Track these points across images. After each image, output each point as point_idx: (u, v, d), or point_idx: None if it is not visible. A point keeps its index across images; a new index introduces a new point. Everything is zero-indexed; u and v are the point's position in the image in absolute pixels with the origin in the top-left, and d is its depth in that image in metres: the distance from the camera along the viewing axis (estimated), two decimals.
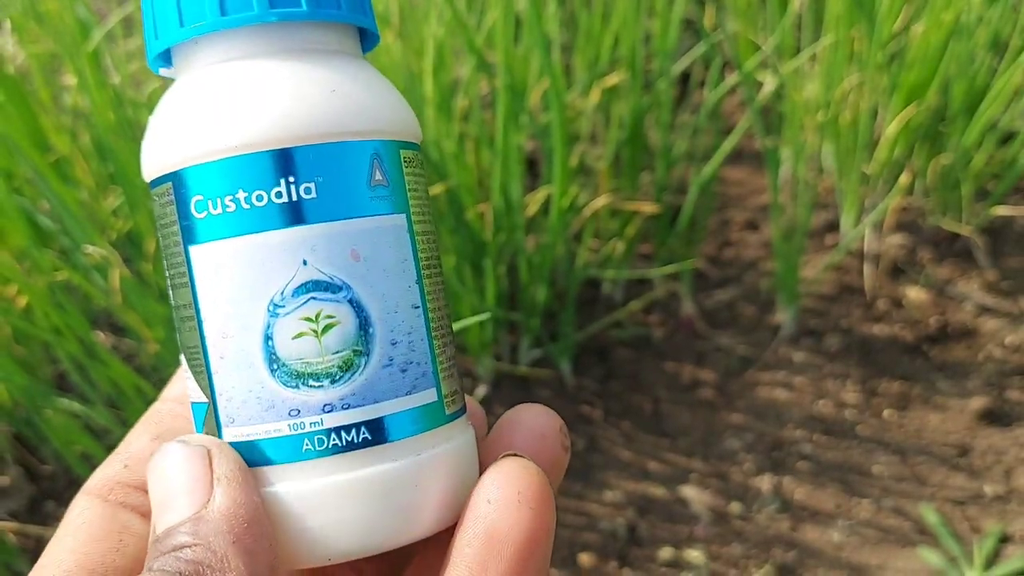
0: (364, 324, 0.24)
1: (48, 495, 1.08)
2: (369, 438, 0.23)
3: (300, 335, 0.23)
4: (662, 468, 1.10)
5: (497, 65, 0.87)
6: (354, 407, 0.23)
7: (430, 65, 0.91)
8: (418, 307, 0.24)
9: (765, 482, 1.08)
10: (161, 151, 0.24)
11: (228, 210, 0.23)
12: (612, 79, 1.10)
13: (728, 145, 1.01)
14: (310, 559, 0.23)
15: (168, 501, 0.22)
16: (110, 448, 1.06)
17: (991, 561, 1.00)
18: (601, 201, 1.08)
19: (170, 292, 0.25)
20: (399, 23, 0.93)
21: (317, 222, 0.23)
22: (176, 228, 0.24)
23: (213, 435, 0.24)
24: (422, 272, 0.25)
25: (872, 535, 1.04)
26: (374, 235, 0.24)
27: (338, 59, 0.24)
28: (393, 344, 0.24)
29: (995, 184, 1.25)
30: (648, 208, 1.10)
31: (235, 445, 0.24)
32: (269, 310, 0.23)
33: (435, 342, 0.25)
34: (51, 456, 1.09)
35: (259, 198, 0.23)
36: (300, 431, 0.23)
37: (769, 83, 1.27)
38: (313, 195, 0.23)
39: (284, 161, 0.23)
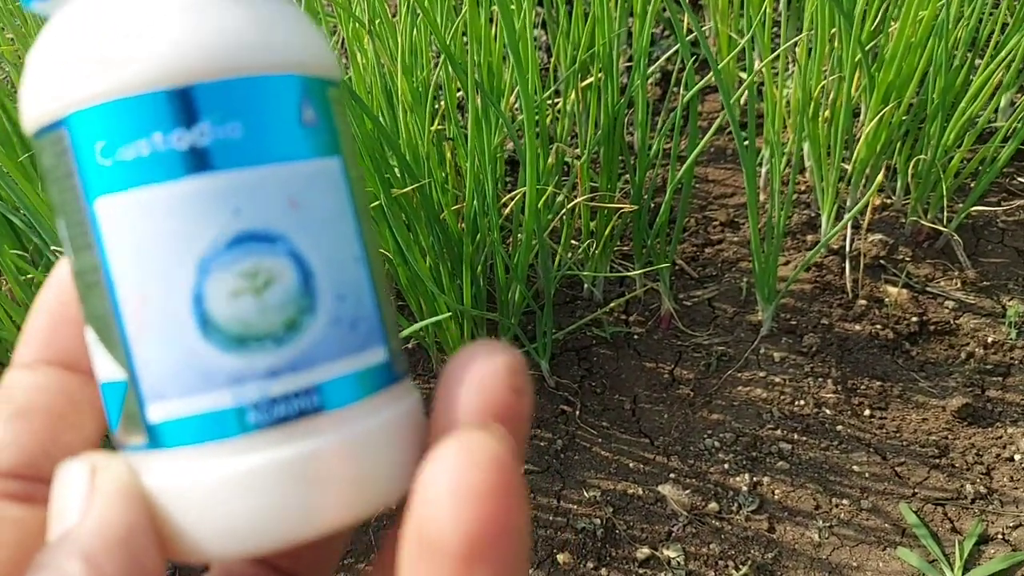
0: (307, 278, 0.20)
1: None
2: (322, 404, 0.20)
3: (237, 293, 0.19)
4: (640, 467, 1.06)
5: (468, 63, 0.83)
6: (303, 368, 0.20)
7: (400, 65, 0.87)
8: (359, 258, 0.21)
9: (743, 481, 1.04)
10: (51, 93, 0.20)
11: (141, 154, 0.19)
12: (588, 79, 1.07)
13: (703, 143, 0.98)
14: (258, 547, 0.20)
15: (55, 515, 0.20)
16: None
17: (971, 562, 0.96)
18: (578, 200, 1.04)
19: (71, 256, 0.21)
20: (372, 23, 0.89)
21: (248, 166, 0.20)
22: (76, 180, 0.20)
23: (135, 415, 0.20)
24: (360, 218, 0.22)
25: (851, 535, 1.00)
26: (310, 180, 0.20)
27: None
28: (340, 298, 0.20)
29: (974, 182, 1.21)
30: (626, 207, 1.06)
31: (165, 424, 0.20)
32: (198, 267, 0.19)
33: (380, 295, 0.22)
34: None
35: (179, 139, 0.19)
36: (243, 401, 0.20)
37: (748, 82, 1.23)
38: (239, 134, 0.20)
39: (205, 96, 0.19)
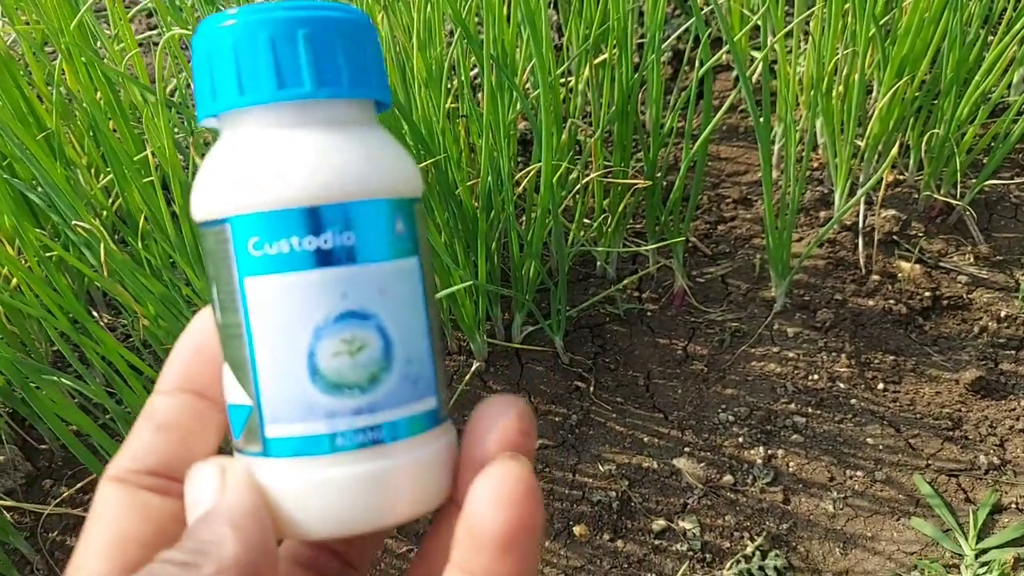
0: (388, 346, 0.28)
1: (44, 474, 1.05)
2: (389, 436, 0.28)
3: (338, 354, 0.27)
4: (655, 441, 1.06)
5: (484, 39, 0.83)
6: (378, 411, 0.28)
7: (416, 41, 0.87)
8: (425, 333, 0.29)
9: (758, 454, 1.04)
10: (220, 198, 0.28)
11: (283, 251, 0.27)
12: (602, 56, 1.06)
13: (716, 119, 0.97)
14: (331, 531, 0.28)
15: (192, 502, 0.27)
16: (103, 426, 1.04)
17: (985, 531, 0.96)
18: (591, 176, 1.04)
19: (218, 313, 0.29)
20: None
21: (354, 264, 0.27)
22: (231, 262, 0.27)
23: (255, 431, 0.28)
24: (428, 303, 0.29)
25: (865, 506, 1.00)
26: (396, 275, 0.28)
27: (365, 130, 0.29)
28: (408, 362, 0.28)
29: (987, 158, 1.20)
30: (639, 183, 1.06)
31: (277, 440, 0.28)
32: (313, 333, 0.27)
33: (436, 360, 0.29)
34: (47, 435, 1.06)
35: (310, 243, 0.27)
36: (334, 430, 0.27)
37: (761, 59, 1.23)
38: (352, 242, 0.27)
39: (328, 214, 0.27)
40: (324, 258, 0.27)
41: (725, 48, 0.91)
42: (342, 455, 0.27)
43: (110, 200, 0.99)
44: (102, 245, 0.79)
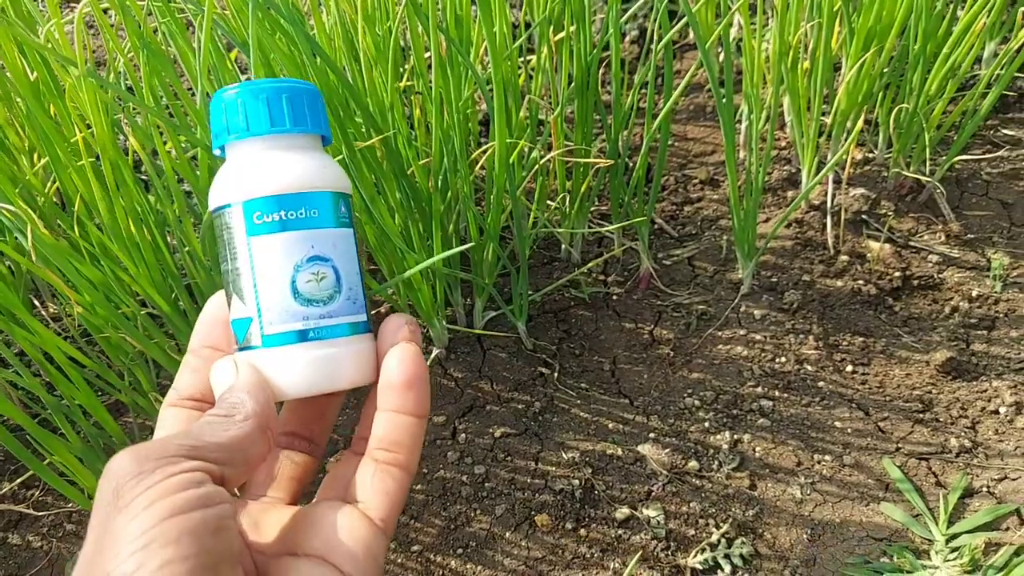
0: (338, 278, 0.44)
1: None
2: (339, 333, 0.44)
3: (309, 281, 0.43)
4: (620, 427, 1.03)
5: (434, 12, 0.79)
6: (333, 317, 0.44)
7: (361, 15, 0.83)
8: (358, 272, 0.46)
9: (724, 439, 1.01)
10: (235, 189, 0.44)
11: (275, 219, 0.43)
12: (561, 34, 1.02)
13: (677, 94, 0.93)
14: (305, 391, 0.43)
15: (218, 383, 0.43)
16: (34, 415, 0.99)
17: (956, 515, 0.93)
18: (552, 155, 1.00)
19: (227, 264, 0.44)
20: None
21: (318, 228, 0.44)
22: (242, 228, 0.44)
23: (256, 333, 0.43)
24: (359, 256, 0.46)
25: (833, 491, 0.97)
26: (341, 236, 0.45)
27: (317, 151, 0.47)
28: (350, 289, 0.44)
29: (957, 133, 1.17)
30: (601, 162, 1.02)
31: (271, 335, 0.43)
32: (295, 268, 0.43)
33: (364, 292, 0.46)
34: None
35: (291, 215, 0.43)
36: (307, 327, 0.43)
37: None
38: (316, 214, 0.44)
39: (303, 198, 0.44)
40: (299, 224, 0.43)
41: (683, 22, 0.87)
42: (311, 343, 0.43)
43: (48, 184, 0.95)
44: (29, 229, 0.75)
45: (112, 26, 0.84)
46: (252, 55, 0.75)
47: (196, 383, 0.45)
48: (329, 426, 0.50)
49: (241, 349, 0.44)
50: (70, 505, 0.98)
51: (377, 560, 0.42)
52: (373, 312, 0.94)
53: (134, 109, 0.91)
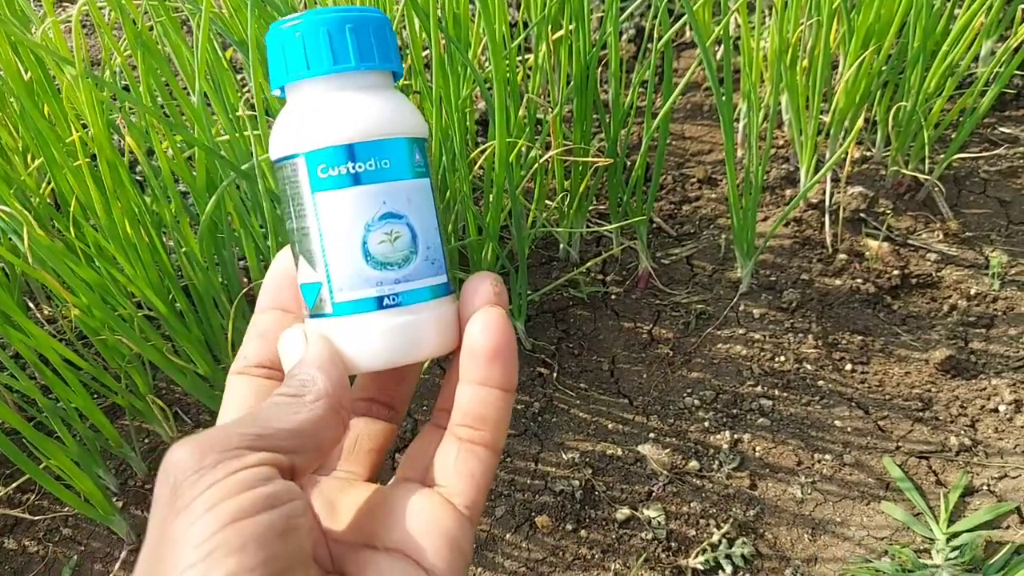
0: (414, 237, 0.39)
1: None
2: (417, 299, 0.39)
3: (382, 242, 0.38)
4: (619, 427, 1.02)
5: (432, 11, 0.78)
6: (410, 280, 0.38)
7: None
8: (436, 228, 0.40)
9: (724, 439, 1.00)
10: (296, 138, 0.38)
11: (341, 173, 0.38)
12: (559, 33, 1.02)
13: (676, 93, 0.93)
14: (382, 364, 0.39)
15: (287, 356, 0.39)
16: (30, 419, 0.99)
17: (957, 514, 0.93)
18: (551, 154, 1.00)
19: (292, 222, 0.39)
20: None
21: (390, 181, 0.38)
22: (305, 183, 0.38)
23: (327, 300, 0.39)
24: (437, 209, 0.40)
25: (834, 490, 0.96)
26: (417, 189, 0.39)
27: (388, 91, 0.40)
28: (428, 248, 0.39)
29: (955, 131, 1.17)
30: (600, 161, 1.01)
31: (342, 303, 0.38)
32: (365, 227, 0.38)
33: (444, 248, 0.40)
34: None
35: (359, 167, 0.38)
36: (381, 293, 0.38)
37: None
38: (387, 166, 0.38)
39: (372, 148, 0.38)
40: (370, 176, 0.38)
41: (682, 21, 0.87)
42: (387, 311, 0.38)
43: (43, 185, 0.93)
44: (25, 231, 0.74)
45: (108, 23, 0.83)
46: (250, 54, 0.74)
47: (264, 349, 0.41)
48: (410, 391, 0.46)
49: (312, 316, 0.40)
50: (66, 509, 0.97)
51: (463, 552, 0.38)
52: None
53: (130, 109, 0.90)
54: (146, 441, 1.03)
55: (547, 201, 1.13)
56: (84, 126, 0.81)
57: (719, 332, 1.09)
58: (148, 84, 0.78)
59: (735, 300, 1.12)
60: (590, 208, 1.21)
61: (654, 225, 1.21)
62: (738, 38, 1.12)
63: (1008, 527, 0.91)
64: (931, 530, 0.91)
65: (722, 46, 0.90)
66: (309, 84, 0.39)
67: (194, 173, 0.88)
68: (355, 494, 0.41)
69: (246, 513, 0.31)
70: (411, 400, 0.47)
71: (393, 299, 0.38)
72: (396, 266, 0.38)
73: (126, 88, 1.12)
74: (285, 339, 0.39)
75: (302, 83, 0.39)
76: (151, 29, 0.92)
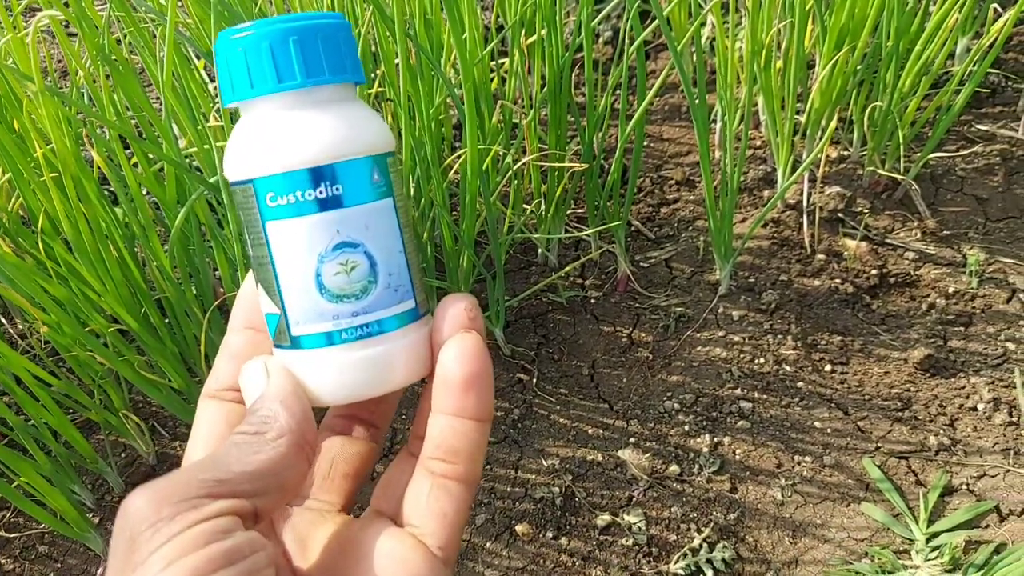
0: (373, 265, 0.36)
1: None
2: (378, 330, 0.36)
3: (337, 273, 0.35)
4: (599, 433, 1.02)
5: (396, 13, 0.77)
6: (369, 312, 0.36)
7: None
8: (401, 251, 0.37)
9: (704, 442, 1.00)
10: (245, 164, 0.36)
11: (291, 201, 0.35)
12: (533, 37, 1.01)
13: (651, 96, 0.92)
14: (344, 399, 0.37)
15: (248, 391, 0.37)
16: (1, 436, 0.98)
17: (936, 514, 0.93)
18: (526, 160, 0.99)
19: (249, 248, 0.37)
20: None
21: (344, 207, 0.36)
22: (256, 212, 0.36)
23: (284, 332, 0.37)
24: (402, 229, 0.37)
25: (814, 492, 0.96)
26: (375, 212, 0.36)
27: (344, 105, 0.37)
28: (389, 275, 0.36)
29: (931, 131, 1.17)
30: (576, 166, 1.01)
31: (300, 336, 0.37)
32: (319, 259, 0.35)
33: (411, 271, 0.38)
34: None
35: (308, 195, 0.35)
36: (338, 328, 0.36)
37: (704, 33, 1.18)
38: (340, 191, 0.35)
39: (323, 173, 0.35)
40: (321, 205, 0.35)
41: (655, 24, 0.86)
42: (346, 345, 0.36)
43: (12, 200, 0.92)
44: None
45: (73, 35, 0.82)
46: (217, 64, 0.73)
47: (236, 370, 0.39)
48: (392, 407, 0.44)
49: (276, 346, 0.38)
50: (42, 527, 0.96)
51: None
52: None
53: (98, 124, 0.89)
54: (123, 456, 1.02)
55: (525, 206, 1.12)
56: (48, 141, 0.80)
57: (698, 335, 1.09)
58: (111, 97, 0.77)
59: (714, 302, 1.11)
60: (568, 212, 1.20)
61: (632, 228, 1.20)
62: (713, 39, 1.12)
63: (987, 526, 0.91)
64: (911, 530, 0.91)
65: (695, 48, 0.89)
66: (256, 103, 0.36)
67: (164, 184, 0.87)
68: (327, 529, 0.40)
69: (204, 571, 0.30)
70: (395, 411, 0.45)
71: (351, 333, 0.36)
72: (353, 298, 0.36)
73: (91, 102, 1.11)
74: (247, 373, 0.38)
75: (251, 101, 0.37)
76: (119, 42, 0.91)
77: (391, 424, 1.05)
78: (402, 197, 0.38)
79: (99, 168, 1.09)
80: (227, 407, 0.39)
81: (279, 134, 0.36)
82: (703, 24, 1.06)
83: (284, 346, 0.37)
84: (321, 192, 0.35)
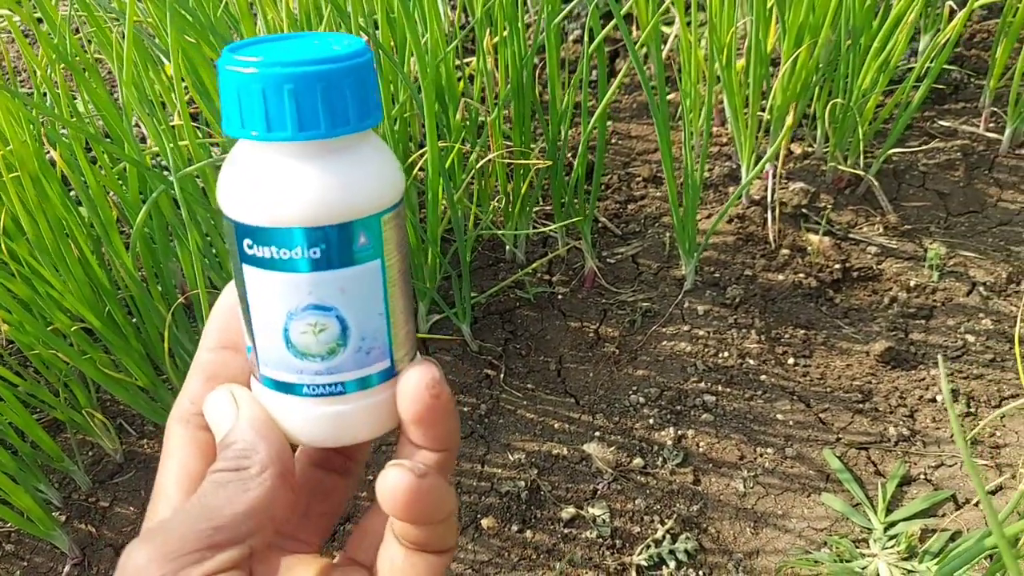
0: (344, 330, 0.34)
1: None
2: (343, 391, 0.35)
3: (304, 333, 0.34)
4: (565, 427, 1.03)
5: (353, 10, 0.78)
6: (335, 373, 0.35)
7: (287, 21, 0.82)
8: (381, 313, 0.35)
9: (668, 435, 1.01)
10: (229, 205, 0.34)
11: (266, 256, 0.33)
12: (495, 38, 1.02)
13: (611, 93, 0.93)
14: (307, 444, 0.36)
15: (216, 424, 0.36)
16: None
17: (895, 503, 0.94)
18: (490, 157, 1.00)
19: (234, 273, 0.36)
20: None
21: (320, 271, 0.33)
22: (236, 249, 0.34)
23: (256, 367, 0.36)
24: (388, 291, 0.35)
25: (776, 484, 0.97)
26: (356, 277, 0.34)
27: (345, 156, 0.34)
28: (362, 339, 0.35)
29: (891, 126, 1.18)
30: (539, 163, 1.02)
31: (267, 378, 0.36)
32: (288, 315, 0.34)
33: (392, 331, 0.36)
34: None
35: (284, 253, 0.33)
36: (302, 382, 0.35)
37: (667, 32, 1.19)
38: (318, 255, 0.33)
39: (300, 234, 0.33)
40: (295, 265, 0.33)
41: (613, 23, 0.87)
42: (310, 399, 0.35)
43: None
44: None
45: (43, 32, 0.82)
46: (173, 59, 0.74)
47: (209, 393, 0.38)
48: (369, 443, 0.43)
49: (252, 374, 0.37)
50: (9, 525, 0.96)
51: None
52: None
53: (60, 125, 0.90)
54: (90, 454, 1.02)
55: (494, 203, 1.13)
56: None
57: (664, 329, 1.10)
58: (70, 98, 0.78)
59: (680, 297, 1.12)
60: (537, 209, 1.21)
61: (600, 224, 1.21)
62: (678, 35, 1.13)
63: (944, 514, 0.92)
64: (869, 520, 0.92)
65: (654, 48, 0.90)
66: (243, 144, 0.34)
67: (125, 188, 0.87)
68: (302, 573, 0.39)
69: None
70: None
71: (315, 389, 0.35)
72: (319, 358, 0.34)
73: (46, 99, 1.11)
74: (211, 403, 0.36)
75: (241, 142, 0.35)
76: (82, 43, 0.91)
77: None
78: (394, 254, 0.35)
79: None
80: (200, 436, 0.37)
81: (264, 183, 0.33)
82: (659, 24, 1.07)
83: (256, 378, 0.37)
84: (297, 253, 0.33)
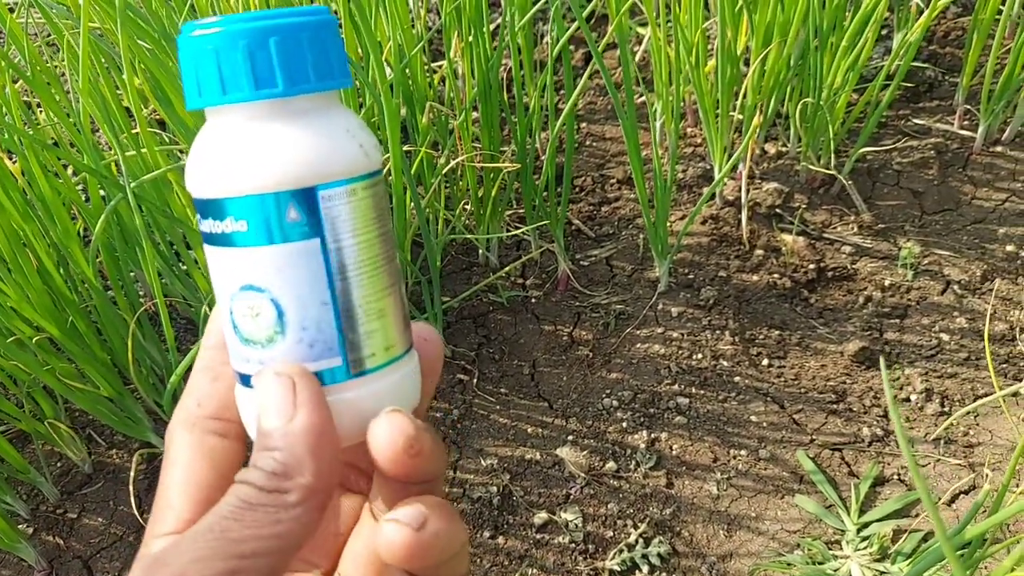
0: (280, 315, 0.32)
1: None
2: None
3: (244, 316, 0.32)
4: (538, 431, 1.02)
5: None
6: (275, 363, 0.32)
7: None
8: (327, 303, 0.32)
9: (641, 439, 1.00)
10: (187, 179, 0.33)
11: (206, 230, 0.32)
12: (461, 44, 1.01)
13: (576, 94, 0.92)
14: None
15: (266, 410, 0.31)
16: None
17: (868, 504, 0.93)
18: (458, 160, 0.99)
19: None
20: None
21: (249, 245, 0.31)
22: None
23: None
24: (335, 277, 0.32)
25: (749, 486, 0.96)
26: (289, 255, 0.31)
27: (291, 120, 0.31)
28: (303, 329, 0.32)
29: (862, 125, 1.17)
30: (508, 166, 1.01)
31: (234, 370, 0.33)
32: (231, 296, 0.32)
33: (343, 325, 0.32)
34: None
35: (217, 227, 0.31)
36: (249, 372, 0.32)
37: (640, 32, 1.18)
38: (245, 228, 0.31)
39: (228, 205, 0.31)
40: (226, 240, 0.32)
41: (576, 26, 0.86)
42: (254, 391, 0.32)
43: None
44: None
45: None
46: (125, 72, 0.73)
47: (219, 393, 0.34)
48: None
49: None
50: None
51: None
52: None
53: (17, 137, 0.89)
54: (59, 465, 1.01)
55: (467, 206, 1.12)
56: None
57: (638, 332, 1.09)
58: (21, 106, 0.77)
59: (654, 299, 1.12)
60: (510, 212, 1.20)
61: (573, 227, 1.20)
62: (649, 37, 1.12)
63: (917, 515, 0.92)
64: (842, 521, 0.91)
65: (619, 49, 0.89)
66: (208, 110, 0.33)
67: (88, 200, 0.86)
68: None
69: None
70: None
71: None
72: (259, 345, 0.32)
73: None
74: (263, 380, 0.32)
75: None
76: (51, 47, 0.90)
77: None
78: (347, 237, 0.32)
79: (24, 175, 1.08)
80: (209, 442, 0.34)
81: (209, 152, 0.32)
82: (626, 25, 1.06)
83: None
84: (228, 226, 0.31)
